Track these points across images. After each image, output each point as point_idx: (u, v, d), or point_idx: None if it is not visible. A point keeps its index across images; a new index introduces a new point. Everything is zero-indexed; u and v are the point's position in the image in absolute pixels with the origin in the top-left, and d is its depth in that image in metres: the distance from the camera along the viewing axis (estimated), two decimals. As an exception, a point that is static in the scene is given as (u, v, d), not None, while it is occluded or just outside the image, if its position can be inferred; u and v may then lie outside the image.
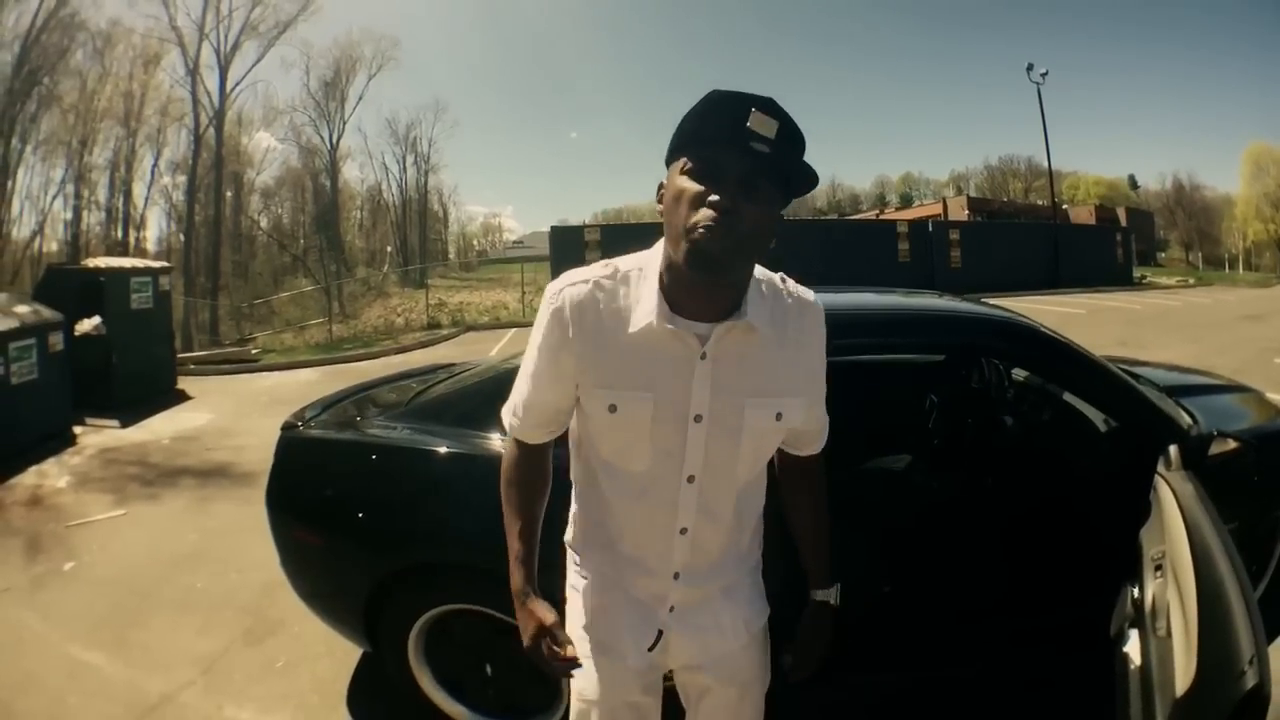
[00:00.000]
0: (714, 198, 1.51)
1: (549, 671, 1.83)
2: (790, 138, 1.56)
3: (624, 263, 1.75)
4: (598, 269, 1.74)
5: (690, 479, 1.75)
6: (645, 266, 1.71)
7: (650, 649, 1.90)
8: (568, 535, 2.02)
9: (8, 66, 40.84)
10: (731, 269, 1.59)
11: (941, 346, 4.04)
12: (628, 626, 1.90)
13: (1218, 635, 1.60)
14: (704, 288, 1.62)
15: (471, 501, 3.02)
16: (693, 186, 1.55)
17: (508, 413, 1.90)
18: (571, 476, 1.97)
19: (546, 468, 1.95)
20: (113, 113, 46.17)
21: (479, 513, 2.91)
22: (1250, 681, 1.40)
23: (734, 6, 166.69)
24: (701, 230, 1.51)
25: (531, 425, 1.86)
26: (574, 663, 1.79)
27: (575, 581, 1.99)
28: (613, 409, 1.70)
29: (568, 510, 2.02)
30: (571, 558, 2.01)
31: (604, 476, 1.84)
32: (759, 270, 1.75)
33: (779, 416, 1.77)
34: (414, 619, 3.17)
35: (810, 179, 1.64)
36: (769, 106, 1.54)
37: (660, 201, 1.65)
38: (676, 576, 1.86)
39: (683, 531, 1.81)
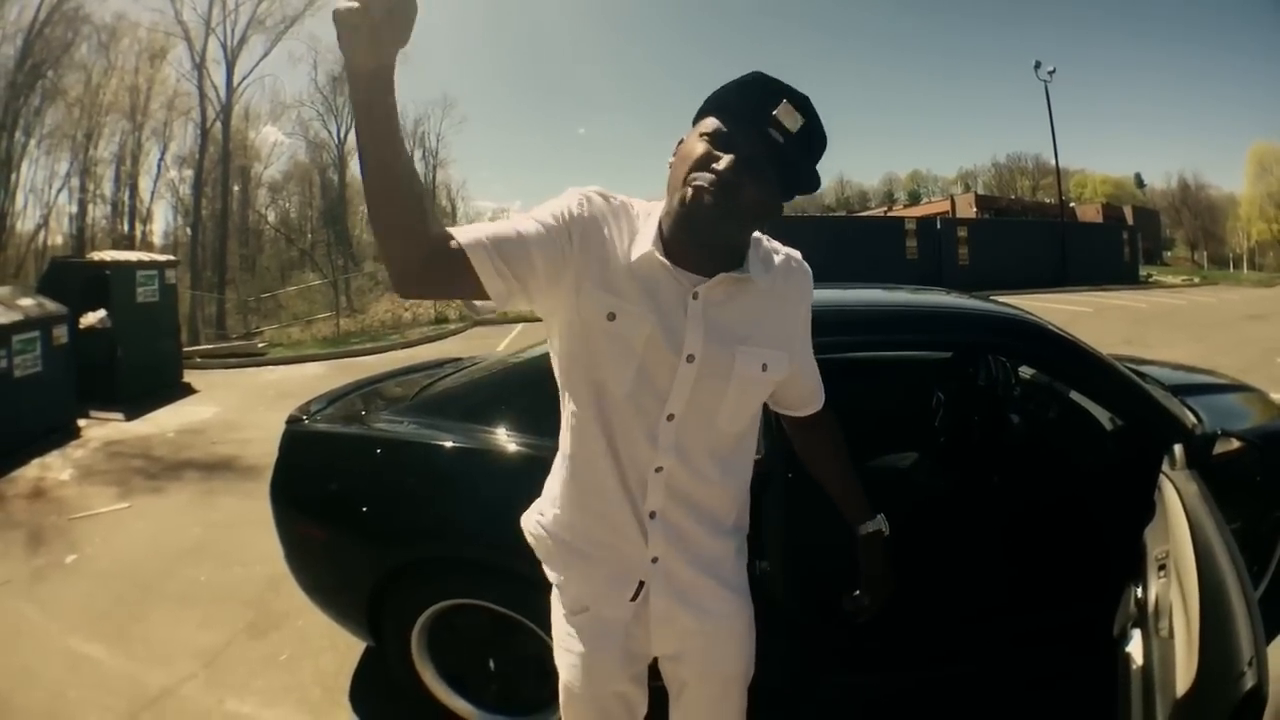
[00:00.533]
0: (720, 165, 1.57)
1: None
2: (810, 138, 1.62)
3: (639, 202, 1.80)
4: (621, 196, 1.79)
5: (670, 417, 1.74)
6: (652, 211, 1.75)
7: (633, 599, 1.86)
8: (541, 518, 1.98)
9: (11, 60, 40.87)
10: (716, 234, 1.64)
11: (949, 344, 4.03)
12: (610, 580, 1.87)
13: (1218, 636, 1.60)
14: (691, 245, 1.67)
15: (476, 496, 3.03)
16: (704, 148, 1.61)
17: (472, 229, 1.57)
18: (560, 442, 1.91)
19: (434, 265, 1.50)
20: (118, 106, 46.10)
21: (484, 508, 2.92)
22: (1249, 682, 1.40)
23: (744, 3, 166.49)
24: (696, 188, 1.59)
25: (487, 243, 1.54)
26: None
27: (554, 567, 1.96)
28: (611, 317, 1.68)
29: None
30: (543, 544, 1.97)
31: (589, 399, 1.77)
32: (758, 237, 1.82)
33: (764, 368, 1.78)
34: (417, 614, 3.17)
35: (813, 183, 1.68)
36: (801, 103, 1.60)
37: (675, 154, 1.70)
38: (653, 516, 1.81)
39: (658, 470, 1.78)
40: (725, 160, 1.57)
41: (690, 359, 1.69)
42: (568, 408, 1.84)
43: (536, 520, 1.98)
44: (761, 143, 1.58)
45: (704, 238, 1.64)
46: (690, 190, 1.59)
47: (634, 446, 1.77)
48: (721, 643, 1.96)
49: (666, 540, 1.84)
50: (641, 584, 1.86)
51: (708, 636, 1.93)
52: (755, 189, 1.60)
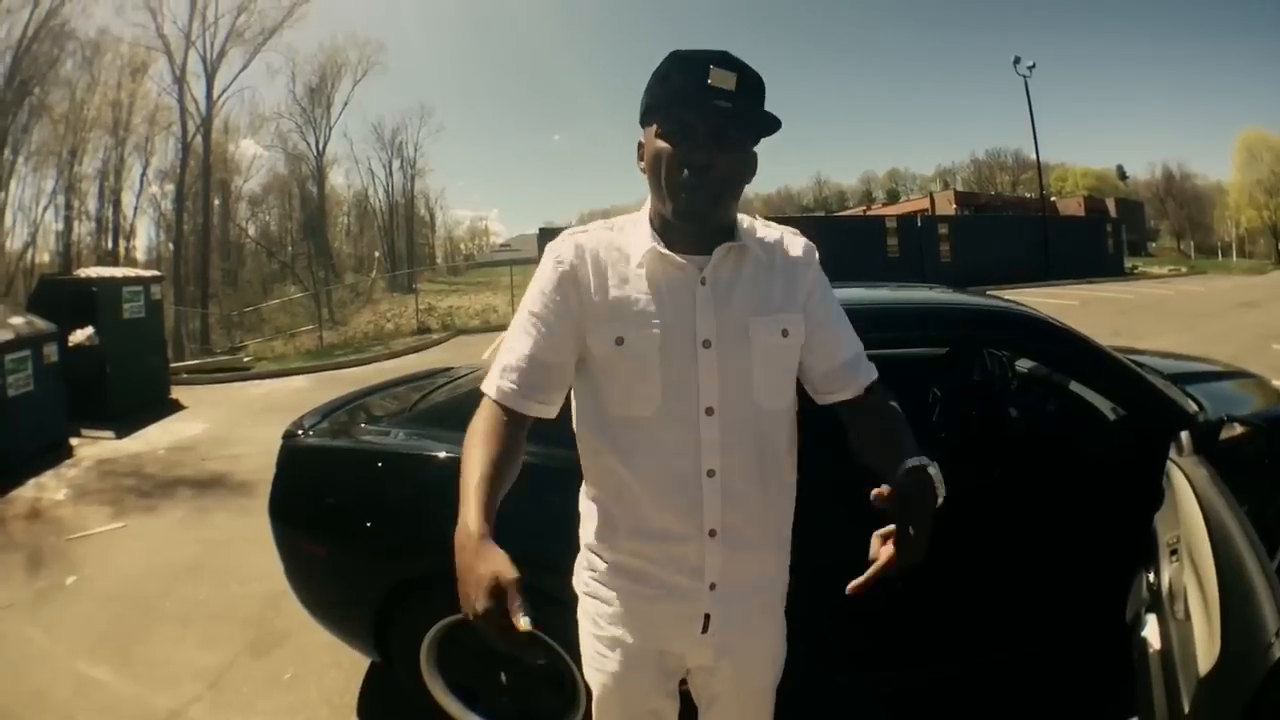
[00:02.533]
0: (688, 154, 1.64)
1: (498, 645, 1.34)
2: (750, 87, 1.67)
3: (620, 219, 1.87)
4: (595, 223, 1.86)
5: (709, 410, 1.71)
6: (638, 219, 1.81)
7: (704, 632, 1.82)
8: (583, 537, 1.94)
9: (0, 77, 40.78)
10: (716, 214, 1.72)
11: (946, 339, 4.04)
12: (676, 619, 1.83)
13: (1241, 611, 1.60)
14: (696, 230, 1.72)
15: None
16: (667, 146, 1.66)
17: (492, 377, 1.75)
18: (582, 464, 1.89)
19: (520, 444, 1.71)
20: (102, 122, 46.04)
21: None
22: (1277, 653, 1.39)
23: (716, 7, 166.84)
24: (684, 188, 1.65)
25: (519, 384, 1.72)
26: (525, 642, 1.31)
27: (595, 589, 1.90)
28: (620, 341, 1.70)
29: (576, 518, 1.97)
30: (589, 561, 1.92)
31: (616, 435, 1.76)
32: (744, 218, 1.85)
33: (785, 333, 1.77)
34: (426, 628, 3.15)
35: (774, 123, 1.72)
36: (725, 60, 1.64)
37: (641, 160, 1.77)
38: (713, 534, 1.76)
39: (710, 474, 1.73)
40: (687, 146, 1.64)
41: (707, 344, 1.70)
42: (598, 452, 1.81)
43: (589, 577, 1.92)
44: (714, 115, 1.63)
45: (708, 224, 1.72)
46: (680, 192, 1.65)
47: (679, 460, 1.73)
48: (758, 657, 1.95)
49: (724, 563, 1.79)
50: (708, 617, 1.82)
51: (745, 652, 1.91)
52: (728, 157, 1.67)
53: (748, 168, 1.75)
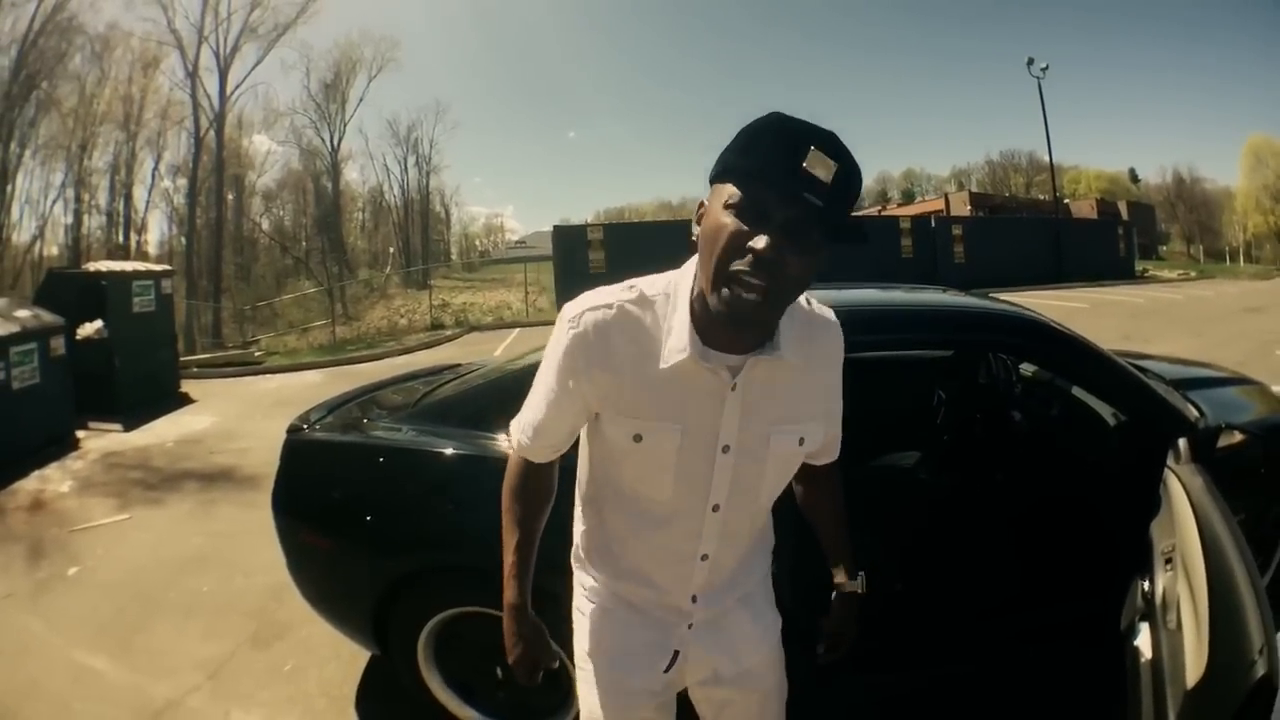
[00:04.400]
0: (757, 243, 1.39)
1: (520, 679, 1.91)
2: (847, 181, 1.43)
3: (649, 286, 1.66)
4: (620, 291, 1.65)
5: (715, 508, 1.72)
6: (674, 293, 1.63)
7: (666, 670, 1.88)
8: (575, 554, 1.99)
9: (5, 71, 40.89)
10: (766, 324, 1.55)
11: (950, 342, 4.03)
12: (643, 646, 1.88)
13: (1228, 626, 1.60)
14: (735, 332, 1.55)
15: (481, 503, 3.01)
16: (735, 224, 1.42)
17: (516, 429, 1.85)
18: (579, 497, 1.94)
19: (551, 484, 1.92)
20: (112, 116, 46.15)
21: (488, 514, 2.91)
22: (1261, 670, 1.39)
23: (732, 5, 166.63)
24: (739, 283, 1.42)
25: (541, 446, 1.82)
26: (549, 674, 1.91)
27: (581, 605, 1.95)
28: (638, 439, 1.65)
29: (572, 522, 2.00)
30: (580, 579, 1.97)
31: (622, 505, 1.79)
32: None
33: (801, 441, 1.74)
34: (424, 622, 3.16)
35: (856, 234, 1.46)
36: (830, 145, 1.42)
37: (698, 223, 1.54)
38: (694, 599, 1.84)
39: (704, 558, 1.78)
40: (761, 240, 1.39)
41: (726, 449, 1.66)
42: (599, 503, 1.86)
43: (580, 591, 1.98)
44: (796, 207, 1.39)
45: (753, 326, 1.53)
46: (732, 284, 1.42)
47: (677, 542, 1.78)
48: (755, 663, 1.96)
49: (705, 613, 1.87)
50: (676, 653, 1.88)
51: (745, 662, 1.94)
52: (798, 259, 1.42)
53: (810, 276, 1.48)
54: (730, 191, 1.44)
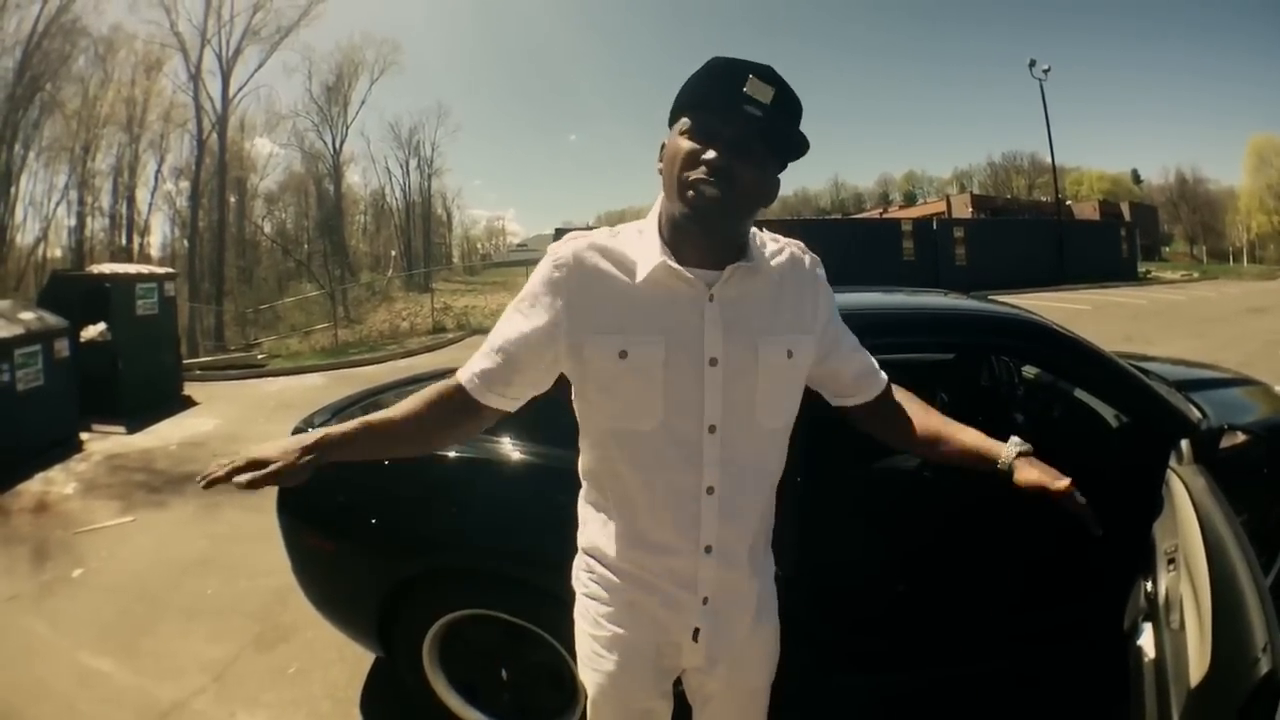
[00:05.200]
0: (708, 155, 1.59)
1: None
2: (786, 105, 1.63)
3: (624, 227, 1.81)
4: (599, 230, 1.80)
5: (711, 429, 1.71)
6: (644, 227, 1.77)
7: (694, 641, 1.85)
8: (581, 540, 1.97)
9: (10, 72, 41.00)
10: (725, 223, 1.66)
11: (952, 346, 4.03)
12: (658, 627, 1.85)
13: (1231, 625, 1.60)
14: (703, 240, 1.67)
15: (486, 506, 3.03)
16: (689, 145, 1.62)
17: (468, 365, 1.82)
18: (580, 469, 1.93)
19: (456, 424, 1.85)
20: (115, 119, 46.27)
21: (493, 517, 2.93)
22: (1264, 667, 1.40)
23: (732, 8, 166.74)
24: (697, 186, 1.60)
25: (481, 375, 1.79)
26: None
27: (594, 590, 1.92)
28: (623, 355, 1.68)
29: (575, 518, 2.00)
30: (587, 564, 1.94)
31: (616, 447, 1.77)
32: (753, 232, 1.81)
33: (790, 354, 1.77)
34: (429, 624, 3.17)
35: (802, 145, 1.69)
36: (767, 74, 1.61)
37: (661, 160, 1.72)
38: (709, 550, 1.78)
39: (709, 491, 1.75)
40: (712, 150, 1.59)
41: (714, 362, 1.69)
42: (599, 462, 1.84)
43: (587, 578, 1.95)
44: (742, 123, 1.59)
45: (713, 230, 1.65)
46: (690, 190, 1.60)
47: (679, 476, 1.74)
48: (751, 659, 1.97)
49: (717, 578, 1.82)
50: (697, 630, 1.85)
51: (738, 656, 1.93)
52: (749, 169, 1.61)
53: (767, 188, 1.70)
54: (683, 121, 1.66)
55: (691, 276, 1.67)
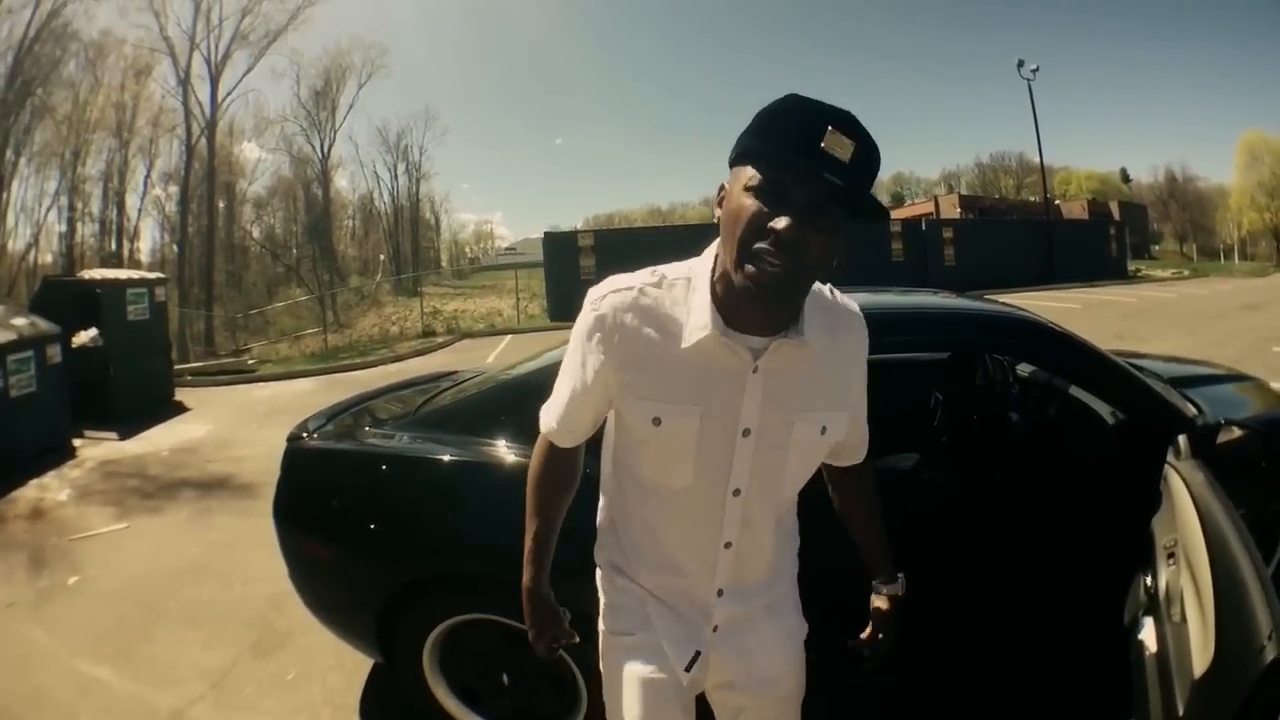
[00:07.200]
0: (778, 224, 1.40)
1: (539, 653, 1.98)
2: (866, 162, 1.45)
3: (671, 271, 1.68)
4: (644, 276, 1.67)
5: (736, 492, 1.70)
6: (694, 277, 1.64)
7: (687, 669, 1.84)
8: (599, 552, 1.98)
9: (1, 78, 40.88)
10: (790, 299, 1.55)
11: (947, 344, 4.04)
12: (668, 642, 1.84)
13: (1235, 614, 1.61)
14: (762, 311, 1.56)
15: (485, 510, 3.02)
16: (755, 206, 1.43)
17: (545, 413, 1.86)
18: (602, 490, 1.95)
19: (574, 471, 1.92)
20: (105, 124, 46.28)
21: (492, 521, 2.92)
22: (1271, 654, 1.40)
23: (718, 9, 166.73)
24: (760, 261, 1.42)
25: (566, 430, 1.83)
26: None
27: (613, 600, 1.92)
28: (657, 422, 1.63)
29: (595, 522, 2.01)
30: (606, 575, 1.95)
31: (643, 494, 1.78)
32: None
33: (824, 430, 1.72)
34: (429, 630, 3.16)
35: (880, 213, 1.55)
36: (847, 124, 1.43)
37: (719, 205, 1.56)
38: (720, 594, 1.81)
39: (727, 546, 1.76)
40: (782, 221, 1.39)
41: (747, 433, 1.65)
42: (619, 495, 1.87)
43: (607, 587, 1.96)
44: (815, 186, 1.40)
45: (774, 306, 1.54)
46: (753, 263, 1.43)
47: (699, 530, 1.76)
48: (775, 673, 1.94)
49: (731, 607, 1.84)
50: (697, 653, 1.85)
51: (769, 669, 1.92)
52: (819, 239, 1.43)
53: (832, 257, 1.49)
54: (750, 174, 1.45)
55: (739, 347, 1.58)
